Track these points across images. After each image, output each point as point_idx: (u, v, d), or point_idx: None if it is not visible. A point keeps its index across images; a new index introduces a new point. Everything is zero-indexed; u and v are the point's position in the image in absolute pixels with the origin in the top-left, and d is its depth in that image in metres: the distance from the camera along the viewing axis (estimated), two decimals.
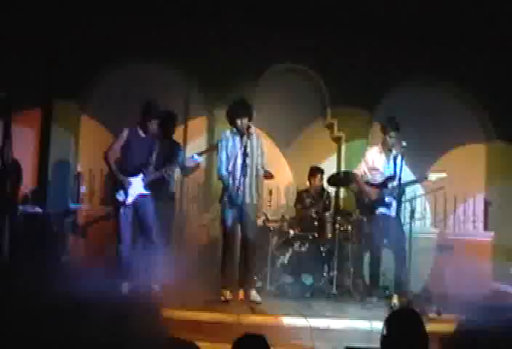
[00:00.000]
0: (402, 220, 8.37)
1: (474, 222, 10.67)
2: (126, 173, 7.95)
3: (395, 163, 8.15)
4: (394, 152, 8.27)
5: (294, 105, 10.54)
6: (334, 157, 10.79)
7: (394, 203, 8.20)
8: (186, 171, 8.69)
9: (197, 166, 8.63)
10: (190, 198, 10.51)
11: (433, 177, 8.19)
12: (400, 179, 7.96)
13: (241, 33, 10.13)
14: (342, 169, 10.32)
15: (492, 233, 10.47)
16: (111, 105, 10.06)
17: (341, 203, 10.23)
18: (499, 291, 8.71)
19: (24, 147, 9.23)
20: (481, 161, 10.80)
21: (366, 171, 8.47)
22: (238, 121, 7.89)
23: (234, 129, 7.98)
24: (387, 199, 8.26)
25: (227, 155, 7.99)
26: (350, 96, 10.40)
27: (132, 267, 7.87)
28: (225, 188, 7.94)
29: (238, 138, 7.94)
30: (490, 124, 10.65)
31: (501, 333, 5.33)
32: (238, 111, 7.94)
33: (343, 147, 10.67)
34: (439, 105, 10.48)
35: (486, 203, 10.66)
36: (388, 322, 4.15)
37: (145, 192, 7.99)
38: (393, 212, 8.22)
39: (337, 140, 10.81)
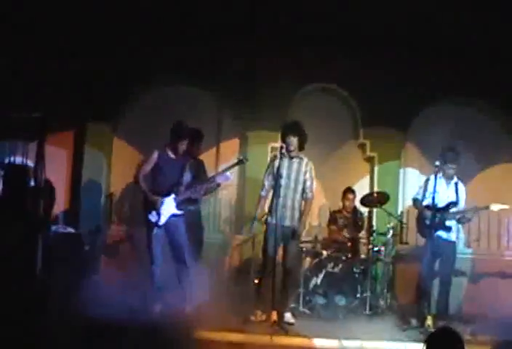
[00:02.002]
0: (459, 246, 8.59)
1: (508, 242, 10.53)
2: (158, 194, 7.97)
3: (456, 190, 8.42)
4: (455, 179, 8.49)
5: (327, 126, 10.51)
6: (367, 177, 10.73)
7: (453, 228, 8.39)
8: (208, 191, 8.71)
9: (217, 186, 8.63)
10: (223, 219, 10.51)
11: (495, 207, 8.27)
12: (459, 204, 8.36)
13: (273, 54, 10.15)
14: (375, 189, 10.26)
15: None
16: (143, 127, 10.15)
17: (374, 223, 10.13)
18: None
19: (57, 168, 9.31)
20: None
21: (426, 196, 8.44)
22: (287, 140, 8.04)
23: (282, 151, 8.08)
24: (447, 223, 8.32)
25: (272, 176, 8.05)
26: (382, 117, 10.32)
27: (165, 288, 7.86)
28: (269, 210, 8.01)
29: (280, 160, 8.04)
30: None
31: None
32: (289, 129, 8.14)
33: (376, 168, 10.61)
34: (473, 125, 10.39)
35: None
36: (429, 341, 4.13)
37: (177, 212, 7.99)
38: (451, 237, 8.40)
39: (370, 161, 10.76)
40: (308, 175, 8.15)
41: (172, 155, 8.12)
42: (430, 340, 4.22)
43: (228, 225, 10.61)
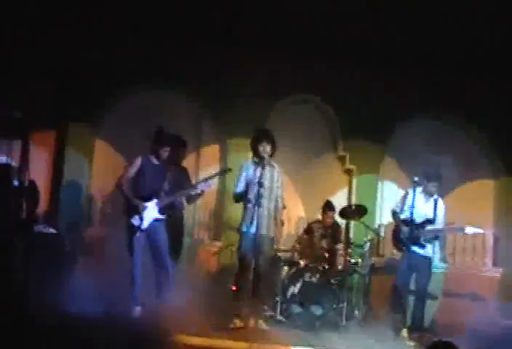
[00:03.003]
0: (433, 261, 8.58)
1: (483, 258, 10.69)
2: (140, 199, 7.98)
3: (435, 207, 8.43)
4: (435, 196, 8.53)
5: (306, 137, 10.63)
6: (345, 189, 10.83)
7: (429, 245, 8.41)
8: (191, 198, 8.76)
9: (200, 194, 8.67)
10: (202, 226, 10.54)
11: (470, 230, 8.32)
12: (437, 221, 8.39)
13: (253, 64, 10.22)
14: (353, 201, 10.38)
15: (501, 269, 10.47)
16: (124, 129, 10.15)
17: (351, 235, 10.22)
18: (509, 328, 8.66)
19: (38, 168, 9.29)
20: (490, 197, 10.83)
21: (404, 209, 8.55)
22: (260, 148, 7.97)
23: (254, 159, 8.06)
24: (422, 240, 8.37)
25: (246, 183, 8.03)
26: (362, 129, 10.49)
27: (144, 291, 7.87)
28: (243, 218, 8.00)
29: (257, 168, 7.98)
30: (498, 161, 10.71)
31: None
32: (261, 137, 8.05)
33: (354, 180, 10.71)
34: (451, 140, 10.54)
35: (496, 239, 10.68)
36: None
37: (159, 216, 8.01)
38: (426, 252, 8.42)
39: (349, 173, 10.86)
40: (279, 183, 8.16)
41: (155, 161, 8.13)
42: None
43: (206, 232, 10.65)
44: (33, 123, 8.67)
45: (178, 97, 10.49)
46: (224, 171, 8.70)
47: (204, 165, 10.57)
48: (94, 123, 10.30)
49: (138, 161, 8.09)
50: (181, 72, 10.21)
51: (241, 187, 8.07)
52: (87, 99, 10.07)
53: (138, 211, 7.92)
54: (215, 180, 8.57)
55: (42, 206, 9.32)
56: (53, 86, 9.98)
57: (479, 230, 8.43)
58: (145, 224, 7.92)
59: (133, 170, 8.08)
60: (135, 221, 7.92)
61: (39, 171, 9.43)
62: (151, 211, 7.97)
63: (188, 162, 9.74)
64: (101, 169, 10.19)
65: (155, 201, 7.98)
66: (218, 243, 10.27)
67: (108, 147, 10.41)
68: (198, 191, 8.42)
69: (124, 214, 8.06)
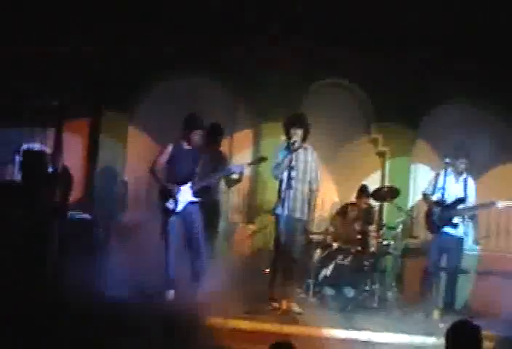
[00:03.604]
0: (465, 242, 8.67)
1: None
2: (174, 183, 8.10)
3: (465, 186, 8.51)
4: (464, 175, 8.59)
5: (339, 121, 10.62)
6: (378, 172, 10.85)
7: (461, 225, 8.46)
8: (230, 182, 8.87)
9: (240, 177, 8.78)
10: (236, 210, 10.65)
11: (501, 204, 8.36)
12: (468, 200, 8.47)
13: (287, 48, 10.25)
14: (386, 183, 10.39)
15: None
16: (158, 116, 10.22)
17: (384, 217, 10.27)
18: None
19: (73, 155, 9.44)
20: None
21: (435, 191, 8.61)
22: (292, 131, 8.03)
23: (288, 143, 8.10)
24: (455, 220, 8.41)
25: (279, 166, 8.08)
26: (394, 112, 10.49)
27: (179, 275, 8.00)
28: (277, 201, 8.09)
29: (290, 151, 8.02)
30: None
31: None
32: (294, 121, 8.13)
33: (387, 163, 10.74)
34: (484, 123, 10.49)
35: None
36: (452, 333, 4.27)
37: (194, 199, 8.12)
38: (458, 233, 8.47)
39: (381, 155, 10.88)
40: (313, 165, 8.23)
41: (187, 146, 8.23)
42: (453, 332, 4.36)
43: (240, 215, 10.75)
44: (68, 111, 8.83)
45: (212, 83, 10.54)
46: (259, 160, 8.77)
47: (238, 150, 10.64)
48: (127, 110, 10.42)
49: (169, 148, 8.20)
50: (215, 58, 10.26)
51: (280, 160, 8.08)
52: (121, 86, 10.21)
53: (172, 195, 8.04)
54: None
55: (77, 192, 9.45)
56: (88, 74, 10.09)
57: (511, 202, 8.42)
58: (180, 207, 8.03)
59: (165, 156, 8.19)
60: (170, 204, 8.04)
61: (74, 158, 9.56)
62: (185, 195, 8.08)
63: (222, 147, 9.83)
64: (135, 155, 10.32)
65: (189, 184, 8.10)
66: (252, 227, 10.38)
67: (142, 133, 10.53)
68: (235, 176, 8.53)
69: (159, 198, 8.20)
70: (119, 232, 9.22)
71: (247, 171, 9.74)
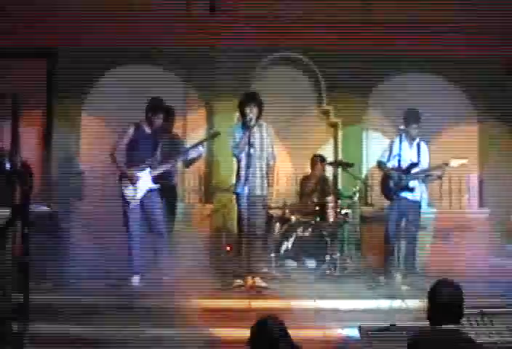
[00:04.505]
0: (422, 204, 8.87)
1: (469, 199, 10.92)
2: (133, 168, 8.15)
3: (418, 151, 8.70)
4: (417, 140, 8.77)
5: (291, 94, 10.70)
6: (331, 142, 11.01)
7: (417, 189, 8.67)
8: (188, 162, 8.95)
9: (198, 157, 8.85)
10: (193, 190, 10.72)
11: (455, 163, 8.51)
12: (422, 164, 8.67)
13: (237, 24, 10.26)
14: (340, 153, 10.58)
15: (487, 210, 10.71)
16: (110, 103, 10.17)
17: (340, 187, 10.44)
18: (496, 267, 8.92)
19: (27, 148, 9.39)
20: (474, 142, 11.00)
21: (391, 158, 8.78)
22: (247, 110, 8.16)
23: (242, 121, 8.29)
24: (411, 184, 8.61)
25: (236, 144, 8.24)
26: (345, 83, 10.59)
27: (142, 260, 8.11)
28: (236, 179, 8.24)
29: (246, 129, 8.17)
30: (483, 105, 10.85)
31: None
32: (248, 99, 8.25)
33: (340, 133, 10.89)
34: (435, 89, 10.66)
35: (481, 182, 10.90)
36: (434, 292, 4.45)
37: (153, 186, 8.21)
38: (415, 197, 8.69)
39: (334, 126, 11.03)
40: (269, 140, 8.38)
41: (148, 130, 8.31)
42: (434, 292, 4.53)
43: (197, 196, 10.83)
44: (22, 101, 8.76)
45: (161, 65, 10.56)
46: (213, 135, 8.95)
47: (191, 130, 10.69)
48: (79, 98, 10.40)
49: (130, 130, 8.26)
50: (163, 34, 10.15)
51: (238, 138, 8.23)
52: (73, 74, 10.17)
53: (132, 182, 8.11)
54: (204, 145, 8.86)
55: (34, 185, 9.45)
56: (39, 63, 10.04)
57: (464, 160, 8.60)
58: (140, 194, 8.13)
59: (125, 139, 8.24)
60: (130, 192, 8.11)
61: (29, 150, 9.52)
62: (145, 182, 8.18)
63: (176, 130, 9.87)
64: (90, 143, 10.30)
65: (148, 170, 8.18)
66: (210, 206, 10.48)
67: (95, 120, 10.51)
68: (194, 155, 8.62)
69: (119, 185, 8.26)
70: (79, 222, 9.24)
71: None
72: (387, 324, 5.82)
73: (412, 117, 8.74)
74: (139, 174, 8.14)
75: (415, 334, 4.58)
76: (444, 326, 4.43)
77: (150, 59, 10.49)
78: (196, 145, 8.62)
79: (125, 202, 8.15)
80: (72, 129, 10.37)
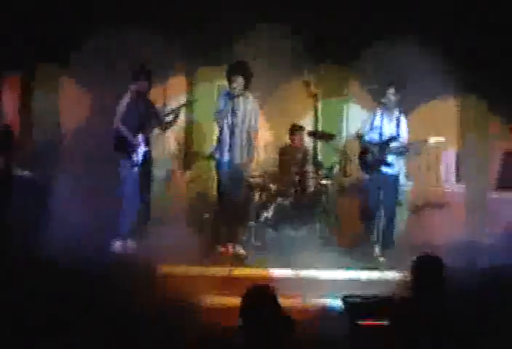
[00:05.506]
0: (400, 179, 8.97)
1: (447, 175, 11.04)
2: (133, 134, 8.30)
3: (398, 124, 8.71)
4: (397, 113, 8.76)
5: (272, 63, 10.66)
6: (311, 114, 11.00)
7: (395, 163, 8.72)
8: (165, 125, 8.96)
9: (174, 121, 8.87)
10: (173, 156, 10.72)
11: (432, 140, 8.56)
12: (401, 138, 8.67)
13: None
14: (320, 124, 10.59)
15: (464, 185, 10.84)
16: (90, 67, 10.04)
17: (320, 158, 10.49)
18: (472, 241, 9.08)
19: (7, 112, 9.35)
20: (452, 116, 11.08)
21: (370, 131, 8.80)
22: (233, 78, 8.21)
23: (230, 89, 8.29)
24: (389, 158, 8.65)
25: (220, 112, 8.29)
26: (327, 53, 10.60)
27: (129, 226, 8.20)
28: (217, 146, 8.30)
29: (231, 98, 8.24)
30: (461, 79, 10.90)
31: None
32: (236, 68, 8.31)
33: (320, 104, 10.91)
34: (415, 61, 10.69)
35: (458, 156, 11.02)
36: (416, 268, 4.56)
37: (146, 148, 8.41)
38: (393, 171, 8.73)
39: (314, 97, 11.02)
40: (253, 113, 8.44)
41: (137, 97, 8.43)
42: (418, 265, 4.64)
43: (177, 163, 10.84)
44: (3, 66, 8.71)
45: (144, 31, 10.46)
46: (189, 102, 9.07)
47: (172, 96, 10.65)
48: (59, 63, 10.22)
49: (126, 98, 8.38)
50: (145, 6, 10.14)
51: (222, 106, 8.30)
52: (52, 38, 10.02)
53: (135, 148, 8.26)
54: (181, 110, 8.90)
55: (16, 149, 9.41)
56: (20, 27, 9.89)
57: (441, 138, 8.69)
58: (140, 159, 8.32)
59: (123, 110, 8.37)
60: (135, 157, 8.27)
61: (10, 115, 9.48)
62: (142, 146, 8.32)
63: (156, 94, 9.83)
64: (70, 107, 10.22)
65: (141, 135, 8.27)
66: (190, 173, 10.49)
67: (75, 85, 10.39)
68: (169, 118, 8.68)
69: (117, 150, 8.37)
70: (60, 187, 9.23)
71: (182, 118, 9.82)
72: (370, 295, 5.93)
73: (391, 89, 8.72)
74: (139, 139, 8.30)
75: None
76: None
77: (133, 25, 10.33)
78: (172, 111, 8.74)
79: (127, 168, 8.27)
80: (52, 93, 10.23)
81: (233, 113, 8.15)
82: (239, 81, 8.22)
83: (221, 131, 8.34)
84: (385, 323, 5.01)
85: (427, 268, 4.66)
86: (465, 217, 9.99)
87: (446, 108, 10.98)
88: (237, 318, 4.24)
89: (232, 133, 8.16)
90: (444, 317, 4.50)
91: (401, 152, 8.74)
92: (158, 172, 9.68)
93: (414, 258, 4.85)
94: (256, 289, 4.38)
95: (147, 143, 8.43)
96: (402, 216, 9.65)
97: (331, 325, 6.30)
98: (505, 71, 10.21)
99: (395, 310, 4.68)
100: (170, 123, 8.90)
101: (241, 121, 8.28)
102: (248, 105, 8.36)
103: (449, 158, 10.99)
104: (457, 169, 11.01)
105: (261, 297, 4.33)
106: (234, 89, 8.20)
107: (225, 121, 8.23)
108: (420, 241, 9.05)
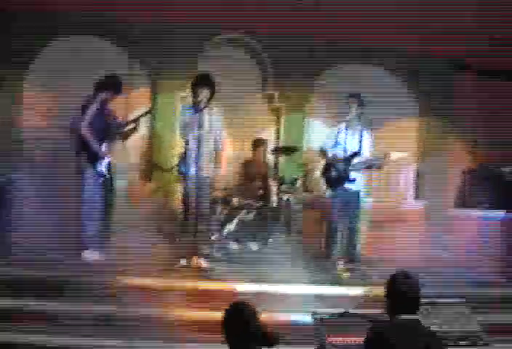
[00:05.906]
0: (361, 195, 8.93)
1: (406, 192, 11.16)
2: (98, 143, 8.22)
3: (360, 140, 8.72)
4: (359, 128, 8.78)
5: (236, 77, 10.69)
6: (274, 128, 11.07)
7: (358, 178, 8.73)
8: (125, 134, 8.90)
9: (136, 127, 8.82)
10: (133, 168, 10.65)
11: (394, 155, 8.63)
12: (363, 154, 8.68)
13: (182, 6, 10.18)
14: (282, 139, 10.66)
15: (423, 202, 10.97)
16: (53, 74, 9.98)
17: (281, 172, 10.52)
18: (432, 258, 9.19)
19: None
20: (413, 136, 11.23)
21: (333, 147, 8.82)
22: (199, 90, 8.18)
23: (194, 102, 8.26)
24: (352, 174, 8.66)
25: (185, 125, 8.24)
26: (291, 69, 10.65)
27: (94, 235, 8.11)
28: (182, 159, 8.22)
29: (196, 111, 8.20)
30: (422, 100, 11.09)
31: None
32: (201, 81, 8.29)
33: (282, 118, 10.97)
34: (377, 79, 10.82)
35: (417, 174, 11.16)
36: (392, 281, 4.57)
37: (109, 159, 8.32)
38: (355, 187, 8.75)
39: (277, 111, 11.09)
40: (219, 125, 8.41)
41: (99, 106, 8.32)
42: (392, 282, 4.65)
43: (137, 174, 10.77)
44: None
45: (107, 41, 10.43)
46: (146, 113, 9.00)
47: (134, 107, 10.58)
48: (21, 69, 10.14)
49: (94, 107, 8.27)
50: (109, 17, 10.10)
51: (186, 119, 8.25)
52: (12, 44, 9.91)
53: (101, 158, 8.18)
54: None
55: None
56: None
57: (404, 154, 8.90)
58: (104, 169, 8.22)
59: (91, 115, 8.23)
60: (101, 166, 8.18)
61: None
62: (105, 156, 8.28)
63: (119, 104, 9.77)
64: (31, 113, 10.10)
65: (105, 144, 8.23)
66: (150, 185, 10.42)
67: (38, 91, 10.29)
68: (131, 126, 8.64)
69: (85, 159, 8.24)
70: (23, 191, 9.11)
71: (143, 129, 9.79)
72: (340, 311, 5.93)
73: (354, 103, 8.77)
74: (103, 149, 8.20)
75: (376, 325, 4.70)
76: (403, 316, 4.57)
77: (97, 34, 10.29)
78: (132, 121, 8.66)
79: (93, 178, 8.16)
80: (13, 98, 10.09)
81: (199, 125, 8.11)
82: (204, 93, 8.19)
83: (186, 145, 8.26)
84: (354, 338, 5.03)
85: (402, 286, 4.67)
86: (423, 234, 10.09)
87: (409, 126, 11.15)
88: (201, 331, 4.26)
89: (198, 146, 8.10)
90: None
91: (364, 167, 8.78)
92: (119, 183, 9.61)
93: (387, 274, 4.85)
94: (237, 304, 4.39)
95: (109, 153, 8.33)
96: (362, 232, 9.71)
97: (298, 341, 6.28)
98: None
99: (375, 330, 4.65)
100: (130, 132, 8.85)
101: (207, 133, 8.23)
102: (213, 117, 8.32)
103: (408, 175, 11.13)
104: (416, 186, 11.16)
105: (243, 311, 4.33)
106: (200, 101, 8.16)
107: (191, 134, 8.16)
108: (380, 257, 9.12)
